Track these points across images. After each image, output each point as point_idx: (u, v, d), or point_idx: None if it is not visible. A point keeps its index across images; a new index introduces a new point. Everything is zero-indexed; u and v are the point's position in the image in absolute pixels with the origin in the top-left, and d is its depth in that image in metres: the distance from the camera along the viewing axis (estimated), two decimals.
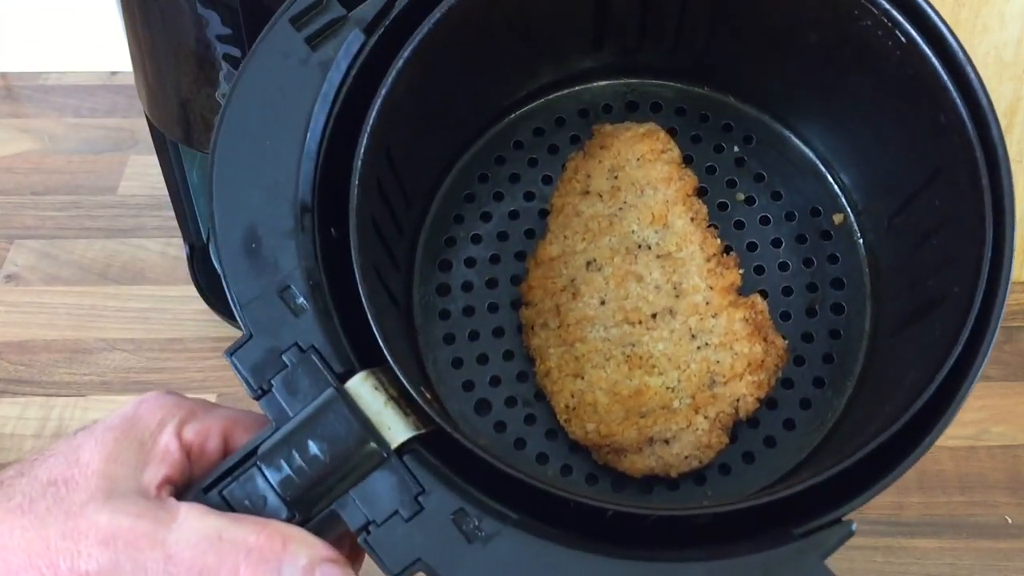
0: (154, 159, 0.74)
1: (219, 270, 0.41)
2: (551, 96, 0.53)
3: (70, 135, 0.98)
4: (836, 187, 0.51)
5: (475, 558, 0.39)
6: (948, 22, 0.40)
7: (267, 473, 0.40)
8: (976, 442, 0.73)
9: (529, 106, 0.53)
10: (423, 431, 0.41)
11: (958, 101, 0.41)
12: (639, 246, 0.50)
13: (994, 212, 0.39)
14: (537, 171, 0.53)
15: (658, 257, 0.49)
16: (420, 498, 0.39)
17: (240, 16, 0.58)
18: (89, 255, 0.88)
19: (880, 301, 0.49)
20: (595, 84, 0.53)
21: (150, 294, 0.85)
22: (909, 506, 0.71)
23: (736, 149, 0.52)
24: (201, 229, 0.80)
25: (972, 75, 0.40)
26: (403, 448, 0.40)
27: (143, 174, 0.94)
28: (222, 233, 0.41)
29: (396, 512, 0.39)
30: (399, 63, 0.42)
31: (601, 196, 0.51)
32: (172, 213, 0.78)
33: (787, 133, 0.52)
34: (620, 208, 0.50)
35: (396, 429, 0.40)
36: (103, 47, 1.01)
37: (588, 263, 0.50)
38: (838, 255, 0.51)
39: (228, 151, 0.41)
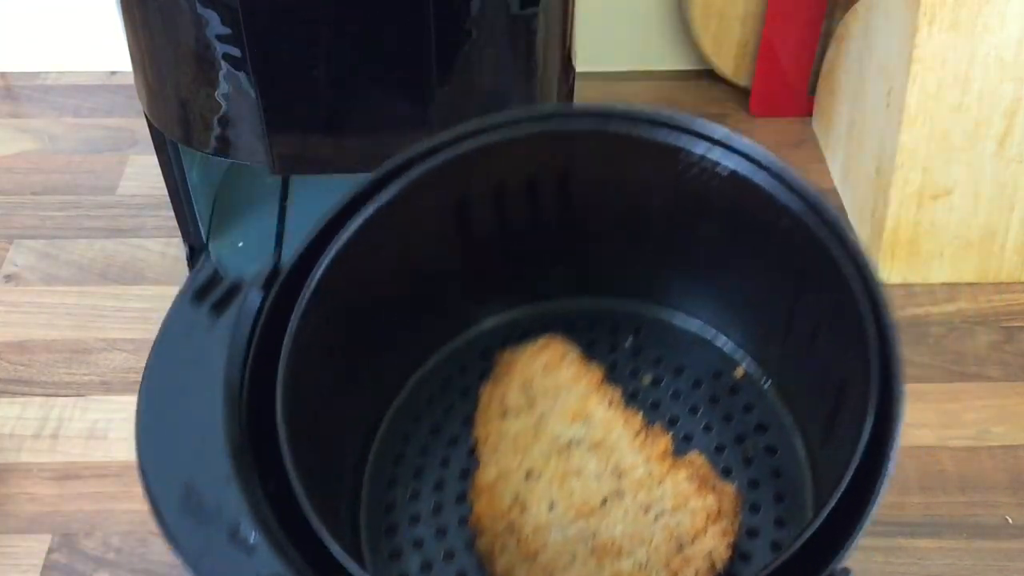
0: (154, 159, 0.75)
1: (161, 534, 0.40)
2: (449, 344, 0.56)
3: (70, 135, 0.98)
4: (729, 346, 0.55)
5: None
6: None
7: None
8: (977, 442, 0.72)
9: (432, 360, 0.56)
10: None
11: (787, 201, 0.46)
12: (569, 444, 0.51)
13: (856, 267, 0.43)
14: (455, 416, 0.55)
15: (590, 448, 0.51)
16: None
17: (240, 16, 0.59)
18: (89, 255, 0.86)
19: (803, 425, 0.51)
20: (486, 323, 0.57)
21: (150, 294, 0.83)
22: (910, 506, 0.70)
23: (629, 341, 0.56)
24: (201, 229, 0.80)
25: (791, 175, 0.46)
26: None
27: (143, 174, 0.94)
28: (159, 497, 0.41)
29: None
30: (297, 316, 0.45)
31: (519, 413, 0.53)
32: (172, 213, 0.78)
33: (669, 313, 0.56)
34: (540, 417, 0.52)
35: None
36: (103, 47, 1.02)
37: (527, 474, 0.50)
38: (752, 403, 0.53)
39: (151, 420, 0.42)
